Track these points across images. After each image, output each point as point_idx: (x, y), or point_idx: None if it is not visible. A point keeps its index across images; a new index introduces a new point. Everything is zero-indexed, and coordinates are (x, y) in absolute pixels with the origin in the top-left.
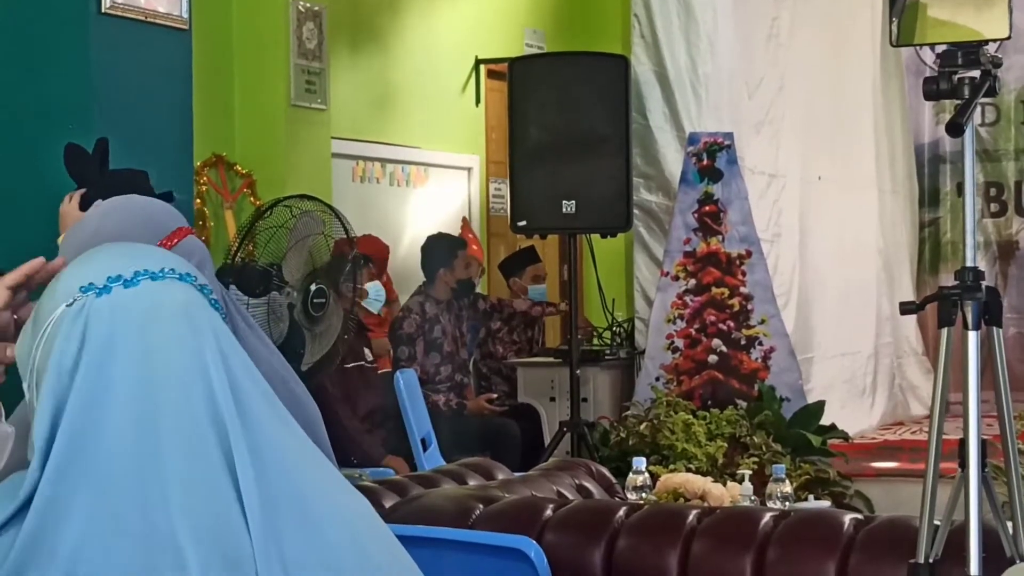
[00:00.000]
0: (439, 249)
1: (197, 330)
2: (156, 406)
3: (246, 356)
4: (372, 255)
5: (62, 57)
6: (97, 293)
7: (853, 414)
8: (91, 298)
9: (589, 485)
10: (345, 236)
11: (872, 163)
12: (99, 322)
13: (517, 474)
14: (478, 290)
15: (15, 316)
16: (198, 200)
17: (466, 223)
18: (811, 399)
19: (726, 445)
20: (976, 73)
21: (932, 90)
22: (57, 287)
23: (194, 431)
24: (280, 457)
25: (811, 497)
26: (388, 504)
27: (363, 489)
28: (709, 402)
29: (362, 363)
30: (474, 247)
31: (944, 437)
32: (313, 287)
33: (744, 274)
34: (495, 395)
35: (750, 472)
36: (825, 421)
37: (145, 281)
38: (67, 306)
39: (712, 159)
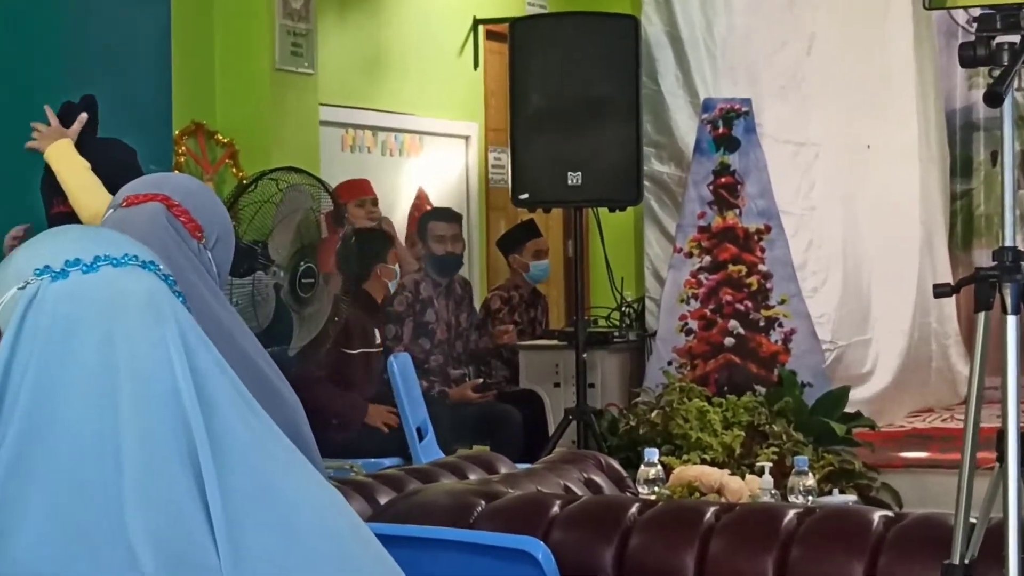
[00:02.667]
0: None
1: (161, 319)
2: (117, 399)
3: (213, 347)
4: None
5: (33, 18)
6: (52, 277)
7: (910, 397)
8: (46, 282)
9: (598, 479)
10: (334, 210)
11: (914, 130)
12: (55, 308)
13: (520, 466)
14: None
15: None
16: (176, 171)
17: (421, 201)
18: (869, 384)
19: (744, 434)
20: (1016, 38)
21: (969, 56)
22: (8, 267)
23: (156, 425)
24: (247, 453)
25: (835, 491)
26: (383, 500)
27: (356, 484)
28: (725, 388)
29: (368, 349)
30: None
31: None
32: (302, 266)
33: (763, 250)
34: (480, 380)
35: (770, 464)
36: (877, 407)
37: (106, 267)
38: (19, 289)
39: (728, 127)
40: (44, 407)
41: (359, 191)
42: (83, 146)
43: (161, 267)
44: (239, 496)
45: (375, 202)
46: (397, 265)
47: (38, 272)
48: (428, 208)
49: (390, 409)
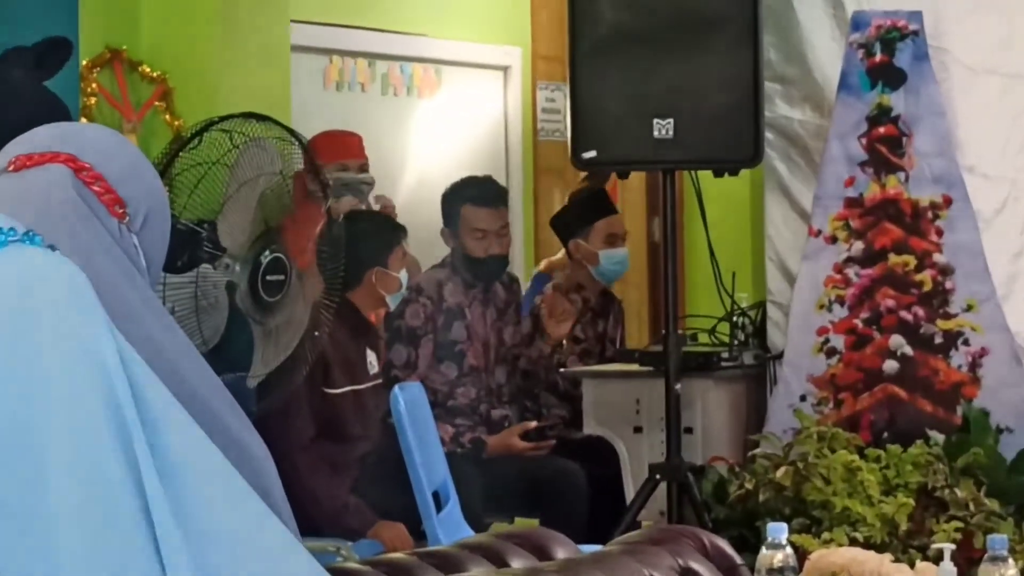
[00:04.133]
0: (457, 204)
1: (89, 316)
2: (35, 413)
3: (146, 367)
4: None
5: None
6: None
7: None
8: None
9: (699, 567)
10: (313, 175)
11: None
12: None
13: (586, 549)
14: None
15: None
16: (83, 119)
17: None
18: None
19: (913, 502)
20: None
21: None
22: None
23: (91, 439)
24: (194, 476)
25: None
26: None
27: (344, 574)
28: (885, 434)
29: (357, 386)
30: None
31: None
32: (266, 256)
33: (940, 233)
34: (532, 423)
35: (952, 546)
36: None
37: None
38: None
39: (889, 53)
40: None
41: (339, 150)
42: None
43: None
44: (187, 521)
45: (364, 168)
46: (404, 271)
47: None
48: (459, 181)
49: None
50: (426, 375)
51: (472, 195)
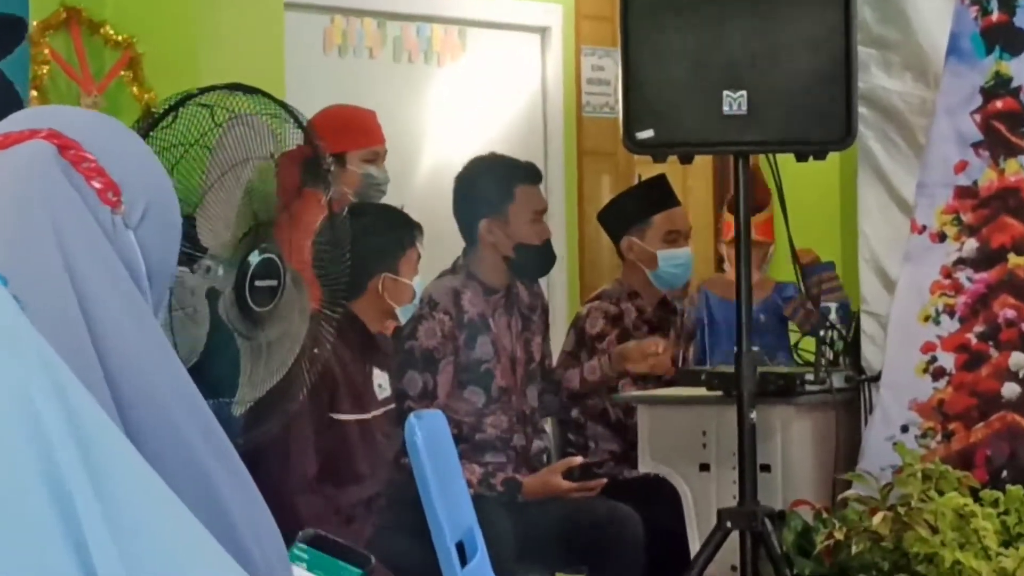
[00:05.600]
0: (493, 183)
1: (17, 353)
2: None
3: (91, 398)
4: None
5: None
6: None
7: None
8: None
9: None
10: (312, 158)
11: None
12: None
13: None
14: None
15: None
16: (34, 91)
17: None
18: None
19: None
20: None
21: None
22: None
23: (21, 507)
24: (156, 542)
25: None
26: None
27: None
28: (1004, 473)
29: (361, 415)
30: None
31: None
32: (255, 258)
33: None
34: (577, 459)
35: None
36: None
37: None
38: None
39: (1009, 11)
40: None
41: (360, 133)
42: None
43: None
44: None
45: (379, 155)
46: (417, 278)
47: None
48: (494, 157)
49: None
50: (447, 404)
51: (520, 170)
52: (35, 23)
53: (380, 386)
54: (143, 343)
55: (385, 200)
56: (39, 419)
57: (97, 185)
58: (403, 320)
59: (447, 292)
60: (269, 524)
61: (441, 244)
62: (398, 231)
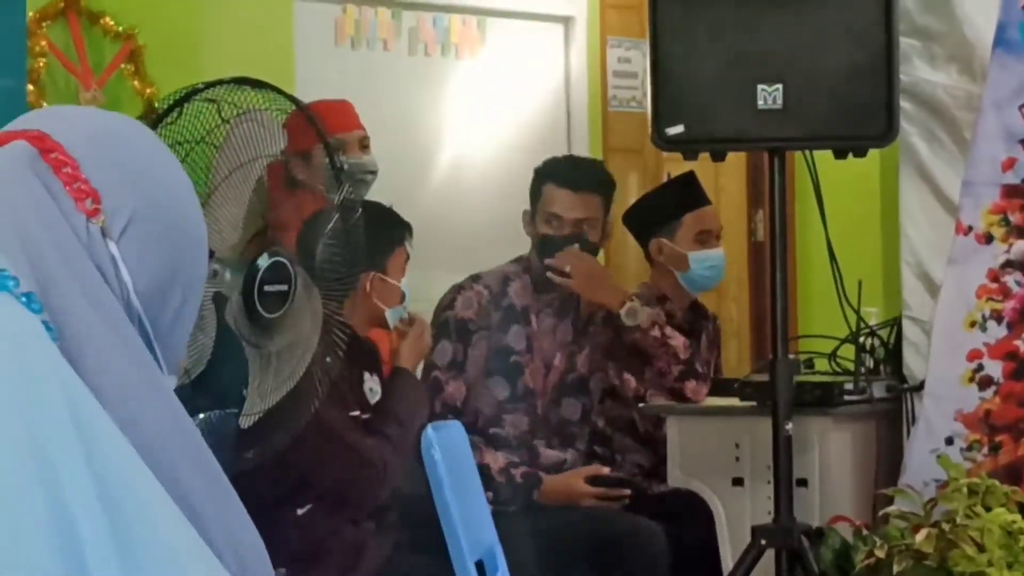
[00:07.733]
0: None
1: (31, 381)
2: None
3: (117, 431)
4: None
5: None
6: None
7: None
8: None
9: None
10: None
11: None
12: None
13: None
14: None
15: None
16: (31, 86)
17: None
18: None
19: None
20: None
21: None
22: None
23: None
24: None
25: None
26: None
27: None
28: None
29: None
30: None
31: None
32: (265, 261)
33: None
34: (606, 469)
35: None
36: None
37: None
38: None
39: None
40: None
41: (339, 121)
42: None
43: (20, 283)
44: None
45: (365, 144)
46: (405, 280)
47: None
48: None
49: None
50: (473, 385)
51: (555, 169)
52: (31, 13)
53: (371, 390)
54: (116, 353)
55: (393, 200)
56: (50, 462)
57: (74, 192)
58: (392, 324)
59: (496, 273)
60: (252, 541)
61: (458, 242)
62: (386, 229)
